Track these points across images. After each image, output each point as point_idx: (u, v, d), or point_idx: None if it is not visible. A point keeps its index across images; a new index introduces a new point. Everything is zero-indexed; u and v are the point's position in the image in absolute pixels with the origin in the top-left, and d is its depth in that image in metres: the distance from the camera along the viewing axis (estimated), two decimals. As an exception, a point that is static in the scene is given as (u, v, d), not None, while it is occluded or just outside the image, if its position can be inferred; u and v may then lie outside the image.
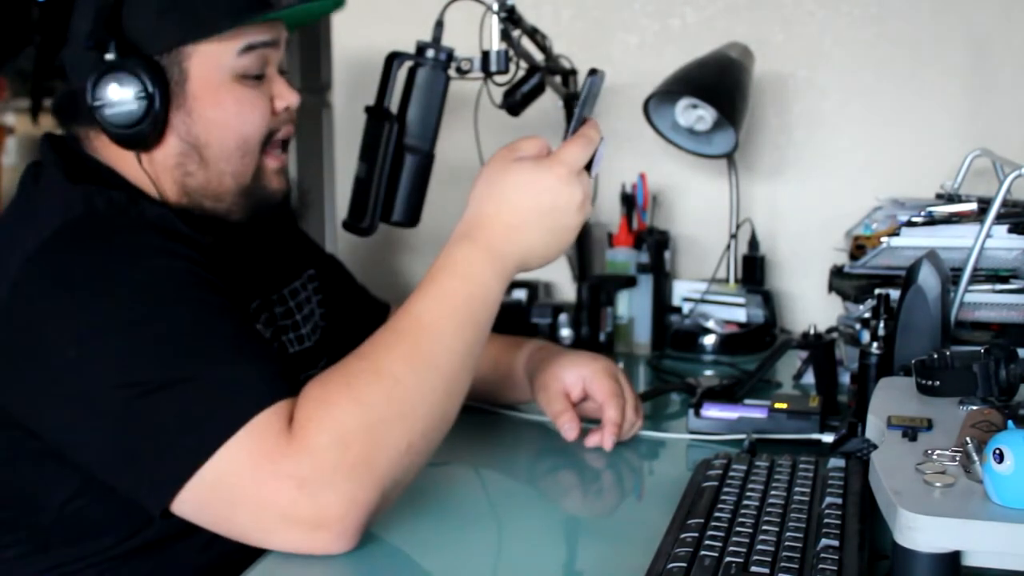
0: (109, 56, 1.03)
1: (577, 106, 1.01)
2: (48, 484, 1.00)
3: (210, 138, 1.09)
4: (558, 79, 1.59)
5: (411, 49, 1.30)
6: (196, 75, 1.07)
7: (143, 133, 1.05)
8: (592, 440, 1.18)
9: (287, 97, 1.14)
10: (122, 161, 1.09)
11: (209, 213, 1.12)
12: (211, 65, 1.07)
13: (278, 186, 1.16)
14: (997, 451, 0.71)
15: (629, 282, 1.72)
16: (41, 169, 1.07)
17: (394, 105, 1.29)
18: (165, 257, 0.96)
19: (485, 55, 1.34)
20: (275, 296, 1.23)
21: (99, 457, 0.92)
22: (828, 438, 1.15)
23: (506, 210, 0.97)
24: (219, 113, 1.08)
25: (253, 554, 0.89)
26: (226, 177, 1.10)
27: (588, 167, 1.00)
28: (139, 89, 1.03)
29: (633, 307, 1.73)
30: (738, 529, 0.84)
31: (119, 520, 1.01)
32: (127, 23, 1.05)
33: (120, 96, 1.03)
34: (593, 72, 1.01)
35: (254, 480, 0.86)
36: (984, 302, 1.20)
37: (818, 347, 1.32)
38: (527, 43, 1.49)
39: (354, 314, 1.39)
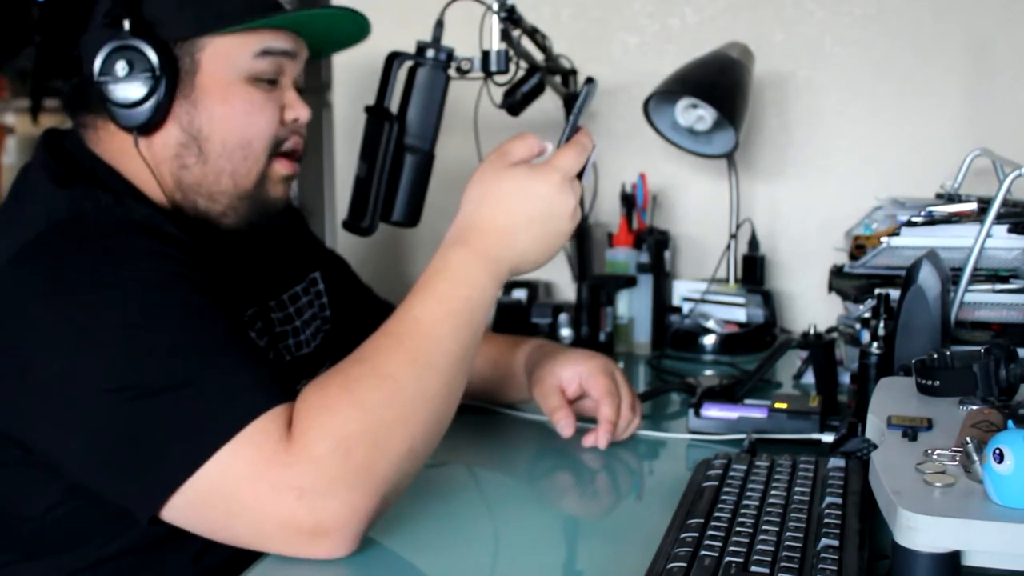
0: (122, 34, 1.02)
1: (573, 113, 1.01)
2: (30, 493, 0.98)
3: (212, 133, 1.07)
4: (558, 79, 1.59)
5: (411, 49, 1.30)
6: (207, 68, 1.06)
7: (143, 115, 1.04)
8: (588, 440, 1.18)
9: (298, 109, 1.12)
10: (121, 154, 1.07)
11: (202, 214, 1.09)
12: (224, 61, 1.06)
13: (281, 194, 1.14)
14: (997, 451, 0.71)
15: (629, 282, 1.72)
16: (30, 171, 1.05)
17: (394, 105, 1.29)
18: (153, 259, 0.94)
19: (485, 55, 1.34)
20: (273, 302, 1.21)
21: (85, 463, 0.90)
22: (828, 438, 1.15)
23: (501, 216, 0.97)
24: (225, 109, 1.07)
25: (246, 565, 0.88)
26: (224, 176, 1.08)
27: (579, 175, 1.00)
28: (146, 69, 1.02)
29: (633, 307, 1.73)
30: (738, 529, 0.84)
31: (104, 529, 0.98)
32: (146, 6, 1.04)
33: (126, 73, 1.02)
34: (590, 80, 1.02)
35: (252, 489, 0.84)
36: (984, 302, 1.20)
37: (818, 347, 1.32)
38: (527, 43, 1.49)
39: (358, 316, 1.38)
